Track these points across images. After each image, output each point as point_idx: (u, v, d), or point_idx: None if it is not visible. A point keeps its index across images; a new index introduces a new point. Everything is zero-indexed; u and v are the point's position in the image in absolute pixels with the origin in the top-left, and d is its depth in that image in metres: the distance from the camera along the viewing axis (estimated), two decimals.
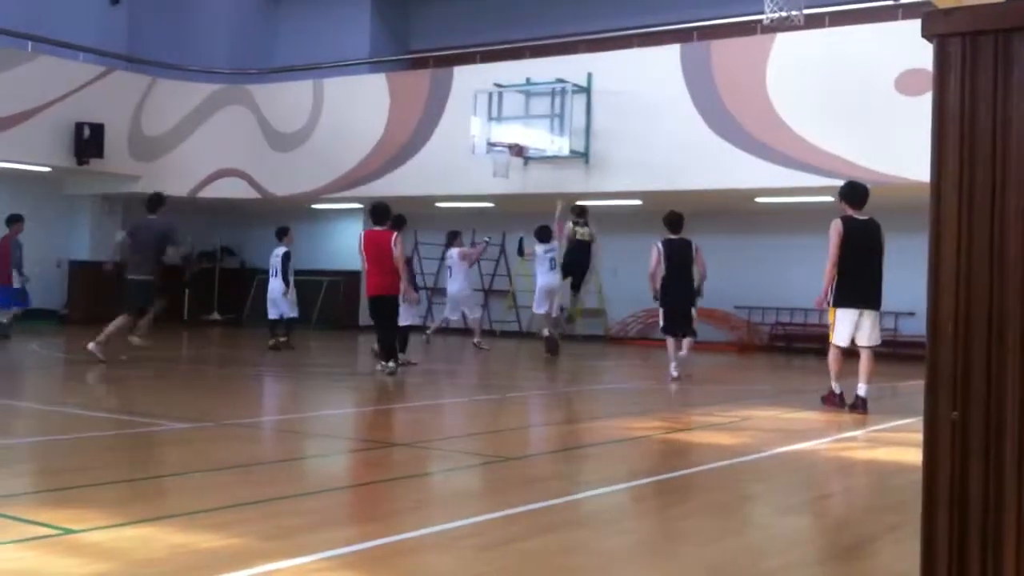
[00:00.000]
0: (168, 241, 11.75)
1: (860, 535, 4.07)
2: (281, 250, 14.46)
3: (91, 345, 11.00)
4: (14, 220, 15.03)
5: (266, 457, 5.58)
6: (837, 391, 8.65)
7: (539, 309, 14.24)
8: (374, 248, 10.56)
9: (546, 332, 14.05)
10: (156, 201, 12.16)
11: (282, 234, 14.60)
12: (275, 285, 14.37)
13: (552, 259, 14.04)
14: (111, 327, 11.29)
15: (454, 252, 15.21)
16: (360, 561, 3.40)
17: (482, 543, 3.72)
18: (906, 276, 15.02)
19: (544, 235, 14.15)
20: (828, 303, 8.50)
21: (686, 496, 4.94)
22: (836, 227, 8.41)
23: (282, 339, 14.34)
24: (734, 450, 6.28)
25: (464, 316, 15.89)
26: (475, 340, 15.38)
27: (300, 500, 4.43)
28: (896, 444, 6.80)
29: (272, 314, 14.45)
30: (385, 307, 10.67)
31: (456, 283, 15.22)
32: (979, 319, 1.90)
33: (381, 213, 10.83)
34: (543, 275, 14.12)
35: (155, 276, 11.67)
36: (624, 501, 4.83)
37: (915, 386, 11.19)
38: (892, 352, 16.31)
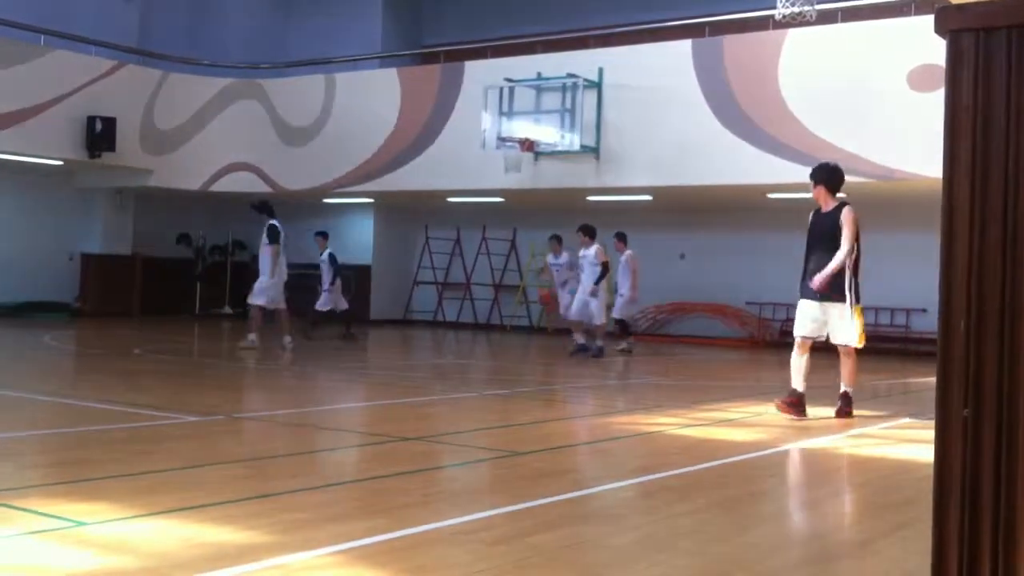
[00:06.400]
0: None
1: (870, 532, 4.07)
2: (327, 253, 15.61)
3: None
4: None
5: (276, 451, 5.59)
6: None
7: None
8: None
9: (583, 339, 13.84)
10: None
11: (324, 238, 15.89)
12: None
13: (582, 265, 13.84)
14: None
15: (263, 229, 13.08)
16: (370, 555, 3.41)
17: (491, 537, 3.72)
18: (918, 272, 15.05)
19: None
20: (857, 301, 7.66)
21: (696, 492, 4.94)
22: (855, 215, 7.69)
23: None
24: (744, 446, 6.28)
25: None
26: (246, 340, 12.85)
27: (310, 494, 4.45)
28: (907, 441, 6.79)
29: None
30: None
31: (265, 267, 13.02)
32: (991, 316, 1.89)
33: None
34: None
35: None
36: (633, 496, 4.83)
37: (926, 383, 11.15)
38: (903, 349, 16.31)
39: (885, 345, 16.59)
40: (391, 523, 3.86)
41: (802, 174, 14.24)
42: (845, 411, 7.80)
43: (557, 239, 14.83)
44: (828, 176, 7.86)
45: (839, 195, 7.90)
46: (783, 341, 17.24)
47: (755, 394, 9.65)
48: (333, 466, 5.57)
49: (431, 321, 21.31)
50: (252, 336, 12.82)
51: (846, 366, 7.84)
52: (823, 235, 7.71)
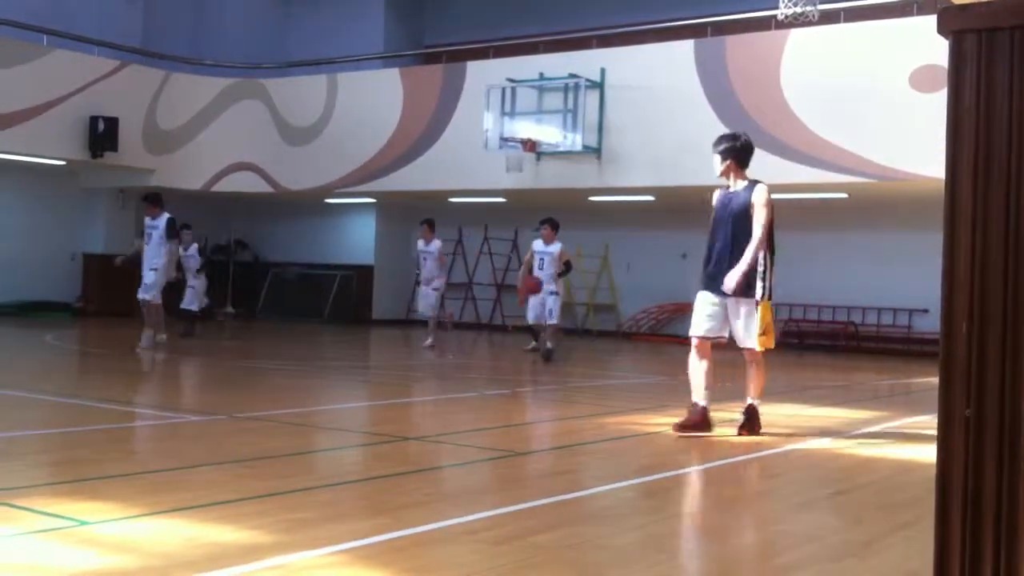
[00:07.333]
0: None
1: (872, 532, 4.07)
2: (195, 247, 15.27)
3: None
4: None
5: (278, 450, 5.60)
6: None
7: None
8: None
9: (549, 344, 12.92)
10: None
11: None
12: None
13: (541, 260, 13.24)
14: None
15: (160, 222, 12.65)
16: (373, 554, 3.42)
17: (494, 537, 3.73)
18: (920, 273, 15.06)
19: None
20: (766, 296, 6.49)
21: (698, 492, 4.94)
22: (771, 196, 6.58)
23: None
24: (745, 446, 6.28)
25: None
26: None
27: (312, 493, 4.45)
28: (909, 441, 6.79)
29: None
30: None
31: (155, 257, 12.72)
32: (994, 316, 1.90)
33: None
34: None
35: None
36: (635, 496, 4.83)
37: (929, 383, 11.15)
38: (905, 349, 16.30)
39: (887, 345, 16.59)
40: (393, 523, 3.86)
41: (804, 174, 14.35)
42: (749, 428, 6.61)
43: (429, 223, 14.51)
44: (738, 149, 6.69)
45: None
46: (784, 341, 17.24)
47: None
48: (335, 466, 5.57)
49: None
50: (160, 335, 12.75)
51: (751, 374, 6.69)
52: (732, 218, 6.58)
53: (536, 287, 13.03)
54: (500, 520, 4.02)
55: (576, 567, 3.41)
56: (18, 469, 4.88)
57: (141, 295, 12.65)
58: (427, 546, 3.65)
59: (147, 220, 12.63)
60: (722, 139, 6.83)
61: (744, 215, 6.54)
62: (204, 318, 15.37)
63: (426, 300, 14.72)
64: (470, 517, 4.04)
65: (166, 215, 12.56)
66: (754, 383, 6.70)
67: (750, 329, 6.48)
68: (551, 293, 13.00)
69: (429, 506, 4.32)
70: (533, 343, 13.91)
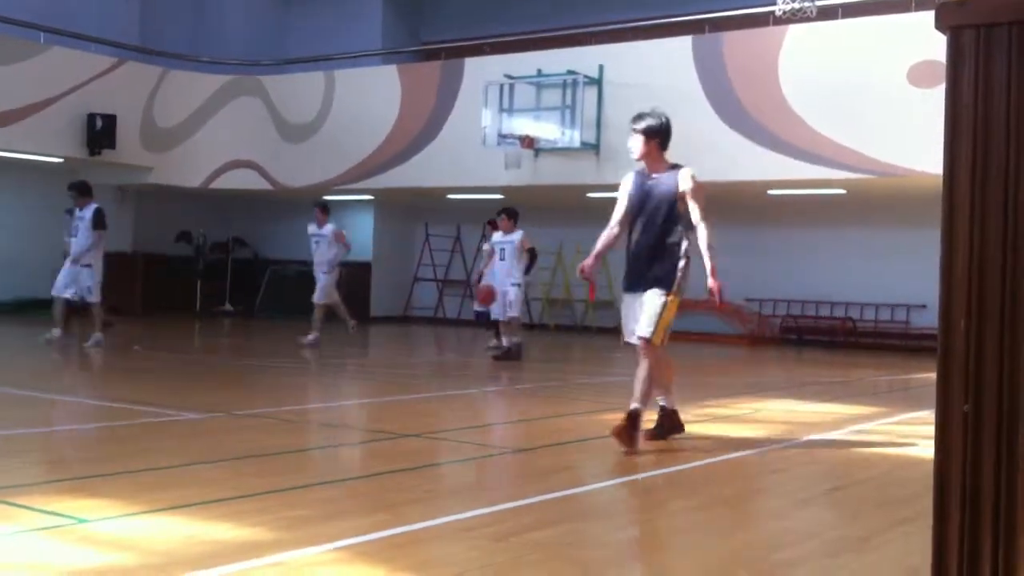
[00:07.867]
0: None
1: (870, 528, 4.07)
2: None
3: None
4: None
5: (278, 447, 5.60)
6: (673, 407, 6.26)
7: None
8: None
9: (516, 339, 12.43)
10: None
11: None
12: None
13: (502, 250, 12.67)
14: None
15: (87, 212, 11.98)
16: (372, 550, 3.42)
17: (493, 533, 3.73)
18: (918, 268, 15.04)
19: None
20: (676, 291, 5.99)
21: (697, 488, 4.94)
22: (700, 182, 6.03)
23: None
24: (745, 443, 6.28)
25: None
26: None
27: (312, 490, 4.45)
28: (908, 437, 6.79)
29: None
30: None
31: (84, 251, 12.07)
32: (992, 312, 1.90)
33: None
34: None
35: None
36: (635, 493, 4.83)
37: (927, 379, 11.16)
38: (904, 345, 16.31)
39: (885, 341, 16.60)
40: (392, 519, 3.86)
41: (803, 170, 14.35)
42: (671, 429, 6.13)
43: (322, 207, 13.62)
44: (664, 129, 6.01)
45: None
46: (783, 338, 17.25)
47: (755, 390, 9.66)
48: (334, 462, 5.58)
49: (431, 318, 21.32)
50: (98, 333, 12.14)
51: (643, 369, 5.84)
52: (657, 207, 5.92)
53: (490, 295, 12.33)
54: (499, 516, 4.02)
55: (575, 563, 3.42)
56: (17, 467, 4.88)
57: (87, 296, 11.91)
58: (426, 542, 3.65)
59: (76, 211, 12.10)
60: (643, 117, 6.02)
61: (671, 204, 5.90)
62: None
63: (320, 287, 13.47)
64: (469, 513, 4.04)
65: (94, 204, 12.04)
66: (654, 377, 5.88)
67: (648, 315, 5.79)
68: (513, 284, 12.30)
69: (428, 502, 4.33)
70: (494, 340, 13.34)
